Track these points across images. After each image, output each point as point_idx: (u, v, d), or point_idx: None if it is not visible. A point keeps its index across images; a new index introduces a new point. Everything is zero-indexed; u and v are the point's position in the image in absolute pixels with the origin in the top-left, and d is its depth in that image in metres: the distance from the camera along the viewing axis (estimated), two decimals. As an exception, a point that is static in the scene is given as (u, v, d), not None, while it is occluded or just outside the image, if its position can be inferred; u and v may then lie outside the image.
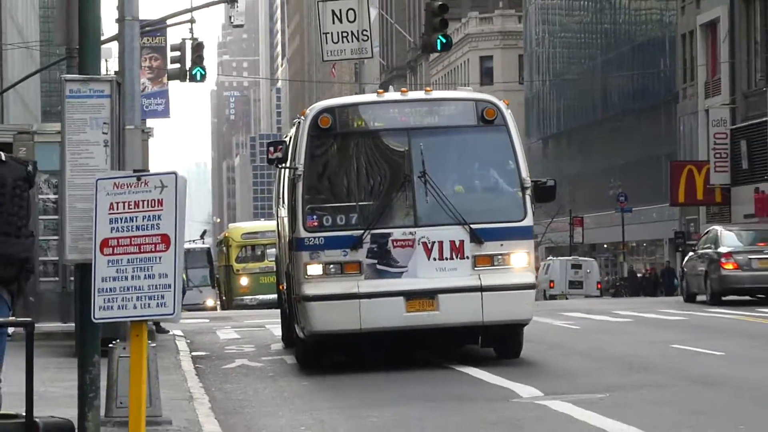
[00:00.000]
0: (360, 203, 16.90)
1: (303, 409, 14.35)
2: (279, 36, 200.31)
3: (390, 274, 16.34)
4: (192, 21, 34.81)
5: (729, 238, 32.30)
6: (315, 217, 16.31)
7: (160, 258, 6.98)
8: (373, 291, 16.30)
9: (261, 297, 37.59)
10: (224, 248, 46.27)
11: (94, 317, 7.27)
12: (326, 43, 27.42)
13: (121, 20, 7.90)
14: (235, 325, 30.22)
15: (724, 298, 31.80)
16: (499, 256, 16.52)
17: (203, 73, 34.96)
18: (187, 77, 34.37)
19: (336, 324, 16.34)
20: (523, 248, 17.00)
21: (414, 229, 16.37)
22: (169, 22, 34.64)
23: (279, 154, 16.50)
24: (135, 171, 7.48)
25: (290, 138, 18.34)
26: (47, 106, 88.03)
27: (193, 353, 21.32)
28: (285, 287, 20.58)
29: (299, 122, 17.74)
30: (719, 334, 23.11)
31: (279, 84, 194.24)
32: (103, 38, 28.31)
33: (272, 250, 34.75)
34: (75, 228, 7.29)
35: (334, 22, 26.63)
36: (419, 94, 18.93)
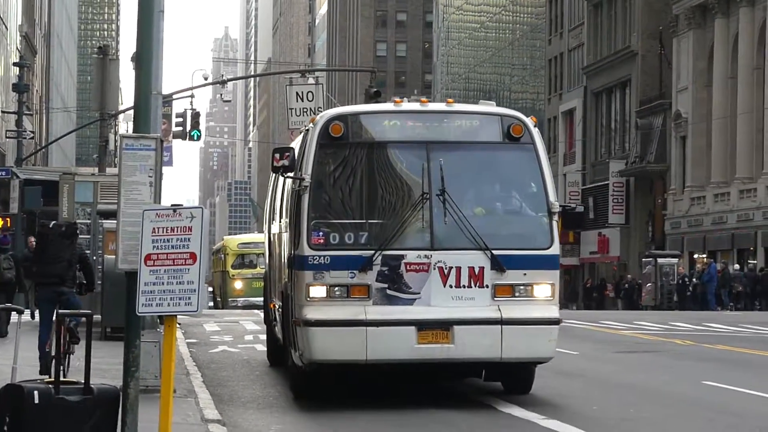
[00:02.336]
0: (371, 221, 14.16)
1: (271, 384, 16.94)
2: (252, 109, 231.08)
3: (401, 300, 13.62)
4: (192, 96, 42.11)
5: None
6: (321, 233, 13.73)
7: (188, 270, 8.34)
8: (382, 318, 13.51)
9: (252, 299, 38.90)
10: (221, 256, 46.32)
11: (138, 311, 8.40)
12: (291, 116, 33.60)
13: (143, 95, 9.01)
14: (216, 320, 33.36)
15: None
16: (522, 287, 13.83)
17: (199, 134, 42.75)
18: (187, 137, 42.29)
19: (339, 353, 13.56)
20: (547, 279, 14.03)
21: (430, 252, 13.68)
22: (175, 96, 41.85)
23: (285, 162, 13.59)
24: (172, 205, 8.61)
25: (298, 147, 14.97)
26: (80, 154, 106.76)
27: (187, 340, 23.40)
28: (276, 306, 17.56)
29: (308, 130, 14.79)
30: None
31: (250, 144, 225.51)
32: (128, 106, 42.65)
33: (262, 259, 38.36)
34: (126, 246, 8.50)
35: (297, 101, 33.19)
36: (440, 106, 15.69)
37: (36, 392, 8.05)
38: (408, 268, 13.49)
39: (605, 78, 68.40)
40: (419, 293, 13.49)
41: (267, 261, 20.45)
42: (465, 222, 13.68)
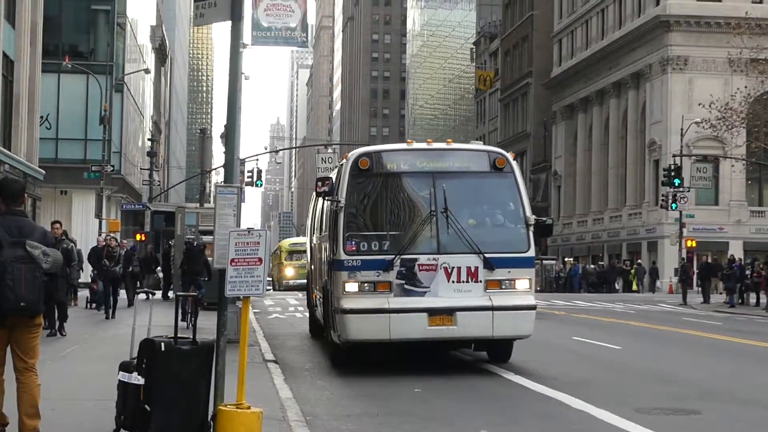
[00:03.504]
0: (391, 232, 16.36)
1: (306, 338, 23.83)
2: (293, 168, 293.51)
3: (415, 293, 15.91)
4: (257, 160, 55.90)
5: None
6: (353, 242, 16.11)
7: (257, 269, 10.17)
8: (401, 307, 15.75)
9: (299, 281, 47.29)
10: (278, 252, 56.52)
11: (226, 294, 10.13)
12: (318, 172, 42.08)
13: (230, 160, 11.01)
14: (271, 298, 41.85)
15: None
16: (507, 281, 16.22)
17: (261, 183, 56.35)
18: (254, 185, 55.40)
19: (368, 334, 15.86)
20: (526, 275, 16.41)
21: (437, 255, 16.00)
22: (247, 160, 54.38)
23: (326, 188, 16.14)
24: (247, 228, 10.51)
25: (335, 176, 17.40)
26: (187, 195, 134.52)
27: (254, 310, 29.47)
28: (318, 297, 19.86)
29: (342, 164, 17.05)
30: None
31: (293, 189, 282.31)
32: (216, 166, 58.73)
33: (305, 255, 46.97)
34: (219, 253, 10.23)
35: (321, 162, 43.58)
36: (442, 145, 17.72)
37: (162, 344, 9.94)
38: (420, 268, 15.88)
39: (510, 149, 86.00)
40: (429, 287, 15.89)
41: (309, 262, 23.94)
42: (463, 232, 16.00)
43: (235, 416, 9.75)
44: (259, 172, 56.46)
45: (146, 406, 9.82)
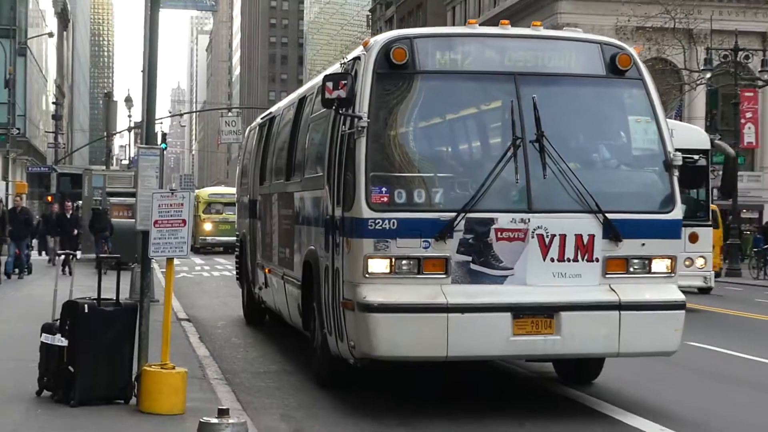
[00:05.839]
0: (447, 174, 9.90)
1: (216, 296, 23.43)
2: (194, 131, 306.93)
3: (488, 278, 9.48)
4: (161, 123, 53.00)
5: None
6: (384, 189, 9.45)
7: (181, 230, 10.19)
8: (467, 303, 9.31)
9: (218, 238, 44.60)
10: (195, 203, 53.70)
11: (149, 255, 10.13)
12: (221, 135, 45.98)
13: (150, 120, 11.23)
14: (199, 257, 41.34)
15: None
16: (638, 261, 9.85)
17: (165, 147, 53.20)
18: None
19: (411, 348, 9.32)
20: (668, 250, 9.97)
21: (527, 215, 9.51)
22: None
23: (341, 93, 9.48)
24: (170, 189, 10.47)
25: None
26: (92, 158, 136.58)
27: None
28: (274, 273, 14.30)
29: (355, 60, 10.18)
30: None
31: (193, 152, 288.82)
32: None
33: (227, 207, 43.57)
34: (142, 215, 10.33)
35: (225, 126, 46.66)
36: (527, 30, 10.59)
37: (86, 305, 10.06)
38: (499, 235, 9.52)
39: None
40: (512, 268, 9.55)
41: (247, 223, 17.33)
42: (570, 177, 9.59)
43: (160, 376, 9.77)
44: (164, 135, 55.52)
45: (69, 367, 9.90)
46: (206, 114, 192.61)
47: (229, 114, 47.33)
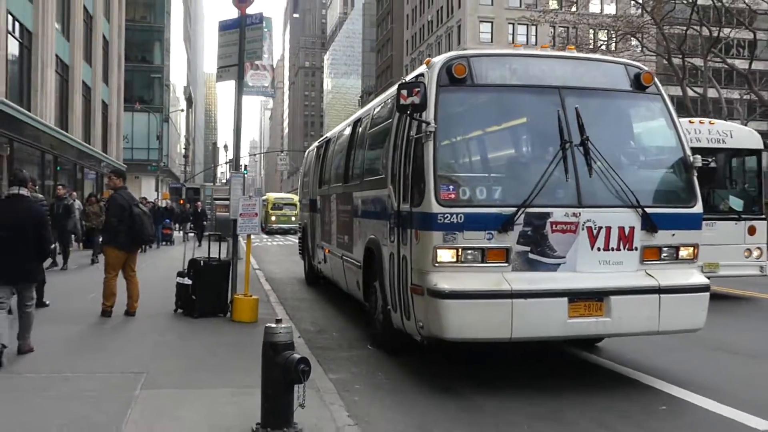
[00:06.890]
0: (506, 174, 10.46)
1: (276, 256, 32.49)
2: (260, 164, 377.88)
3: (544, 266, 10.02)
4: (246, 159, 67.84)
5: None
6: (452, 187, 9.98)
7: (254, 219, 13.11)
8: (529, 289, 9.78)
9: (280, 226, 60.84)
10: (265, 203, 66.56)
11: (237, 233, 13.04)
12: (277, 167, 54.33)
13: (236, 158, 15.32)
14: (265, 237, 54.05)
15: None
16: (668, 249, 10.60)
17: (246, 172, 72.68)
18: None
19: (479, 330, 9.70)
20: (693, 239, 10.74)
21: (579, 209, 10.10)
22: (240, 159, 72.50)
23: (415, 99, 9.91)
24: (249, 195, 13.46)
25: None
26: (205, 178, 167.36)
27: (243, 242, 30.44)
28: (336, 254, 15.56)
29: (422, 74, 10.78)
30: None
31: (262, 176, 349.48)
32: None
33: (285, 206, 64.04)
34: (233, 210, 13.29)
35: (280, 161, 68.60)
36: (567, 53, 11.45)
37: (201, 261, 13.60)
38: (554, 227, 10.15)
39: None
40: (564, 257, 10.16)
41: (308, 215, 20.01)
42: (612, 176, 10.32)
43: (243, 301, 13.38)
44: (245, 166, 66.52)
45: (192, 296, 13.76)
46: (269, 154, 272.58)
47: (282, 154, 58.46)
